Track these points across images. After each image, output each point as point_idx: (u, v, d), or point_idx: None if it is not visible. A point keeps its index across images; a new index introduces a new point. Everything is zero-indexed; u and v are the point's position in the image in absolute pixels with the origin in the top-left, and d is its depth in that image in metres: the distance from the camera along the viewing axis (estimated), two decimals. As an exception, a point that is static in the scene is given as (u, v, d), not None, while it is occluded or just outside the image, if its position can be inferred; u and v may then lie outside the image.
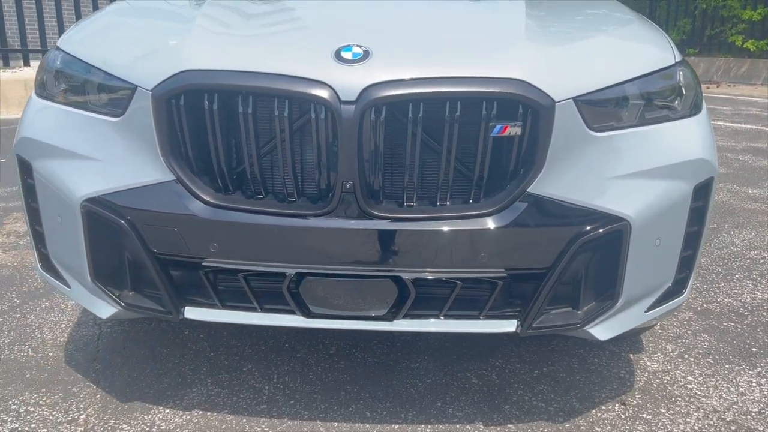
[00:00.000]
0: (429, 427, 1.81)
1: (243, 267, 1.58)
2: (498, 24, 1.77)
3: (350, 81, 1.42)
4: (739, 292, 2.77)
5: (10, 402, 1.90)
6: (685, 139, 1.64)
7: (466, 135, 1.46)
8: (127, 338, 2.28)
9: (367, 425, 1.81)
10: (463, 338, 2.31)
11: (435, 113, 1.44)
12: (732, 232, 3.56)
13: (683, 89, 1.69)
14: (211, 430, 1.78)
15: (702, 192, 1.65)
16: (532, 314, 1.58)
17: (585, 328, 1.61)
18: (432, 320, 1.61)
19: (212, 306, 1.63)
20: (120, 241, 1.60)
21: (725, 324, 2.47)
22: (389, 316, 1.59)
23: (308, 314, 1.60)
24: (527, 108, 1.44)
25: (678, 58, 1.71)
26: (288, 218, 1.50)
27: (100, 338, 2.29)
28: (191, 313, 1.63)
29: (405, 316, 1.59)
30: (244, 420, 1.83)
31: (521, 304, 1.61)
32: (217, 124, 1.47)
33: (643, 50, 1.71)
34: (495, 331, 1.60)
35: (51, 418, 1.82)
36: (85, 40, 1.77)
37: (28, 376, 2.04)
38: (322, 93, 1.41)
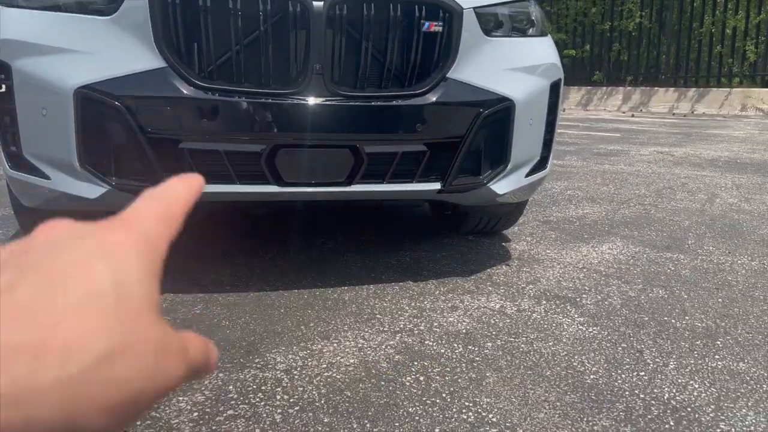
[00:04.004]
0: (372, 286, 2.24)
1: (223, 148, 1.89)
2: None
3: None
4: (566, 211, 3.58)
5: None
6: (542, 49, 2.30)
7: (404, 31, 1.96)
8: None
9: (322, 289, 2.18)
10: (376, 239, 2.77)
11: (382, 13, 1.92)
12: (554, 183, 4.47)
13: (534, 19, 2.36)
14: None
15: (555, 89, 2.32)
16: (450, 176, 2.09)
17: (487, 185, 2.17)
18: (379, 185, 2.05)
19: (196, 182, 1.90)
20: (112, 125, 1.83)
21: (563, 226, 3.22)
22: (347, 182, 2.00)
23: (282, 183, 1.95)
24: (445, 12, 1.98)
25: (531, -4, 2.39)
26: (267, 97, 1.86)
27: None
28: (179, 187, 1.88)
29: (359, 182, 2.02)
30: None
31: (442, 173, 2.12)
32: (209, 18, 1.80)
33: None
34: (425, 188, 2.09)
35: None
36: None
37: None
38: (298, -9, 1.82)
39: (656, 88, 12.09)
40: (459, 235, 2.92)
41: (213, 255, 2.50)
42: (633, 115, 11.07)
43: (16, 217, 2.39)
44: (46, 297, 0.22)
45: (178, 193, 0.30)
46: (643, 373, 1.66)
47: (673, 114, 11.27)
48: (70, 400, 0.21)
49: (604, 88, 12.75)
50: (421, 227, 3.12)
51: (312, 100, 1.89)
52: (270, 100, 1.87)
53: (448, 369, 1.65)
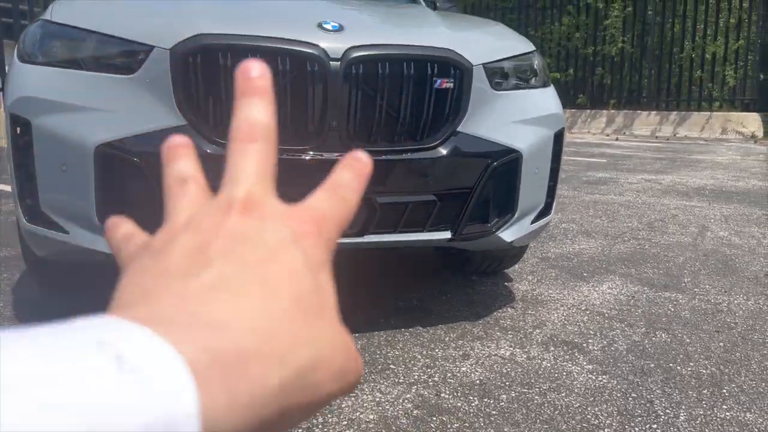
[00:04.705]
0: (383, 332, 2.27)
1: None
2: (423, 19, 2.39)
3: (335, 44, 1.90)
4: (563, 246, 3.65)
5: None
6: (545, 100, 2.37)
7: (416, 87, 2.01)
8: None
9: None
10: (382, 279, 2.80)
11: (396, 71, 1.97)
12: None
13: (537, 69, 2.43)
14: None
15: (558, 138, 2.38)
16: (461, 225, 2.14)
17: (496, 233, 2.22)
18: (391, 235, 2.09)
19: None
20: (131, 182, 1.85)
21: (561, 263, 3.28)
22: (361, 233, 2.04)
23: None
24: (456, 69, 2.04)
25: (533, 48, 2.46)
26: (284, 153, 1.90)
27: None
28: (196, 241, 1.91)
29: (372, 232, 2.06)
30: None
31: (452, 222, 2.17)
32: (229, 77, 1.84)
33: (513, 40, 2.44)
34: (436, 237, 2.14)
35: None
36: (76, 13, 2.00)
37: None
38: (316, 51, 1.87)
39: (639, 112, 12.33)
40: (462, 274, 2.97)
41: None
42: (617, 139, 11.26)
43: (24, 260, 2.39)
44: (263, 299, 0.23)
45: (352, 187, 0.29)
46: (655, 426, 1.71)
47: (656, 137, 11.49)
48: (284, 403, 0.22)
49: (588, 110, 12.97)
50: (425, 266, 3.17)
51: (327, 156, 1.93)
52: (286, 156, 1.91)
53: (467, 424, 1.68)
